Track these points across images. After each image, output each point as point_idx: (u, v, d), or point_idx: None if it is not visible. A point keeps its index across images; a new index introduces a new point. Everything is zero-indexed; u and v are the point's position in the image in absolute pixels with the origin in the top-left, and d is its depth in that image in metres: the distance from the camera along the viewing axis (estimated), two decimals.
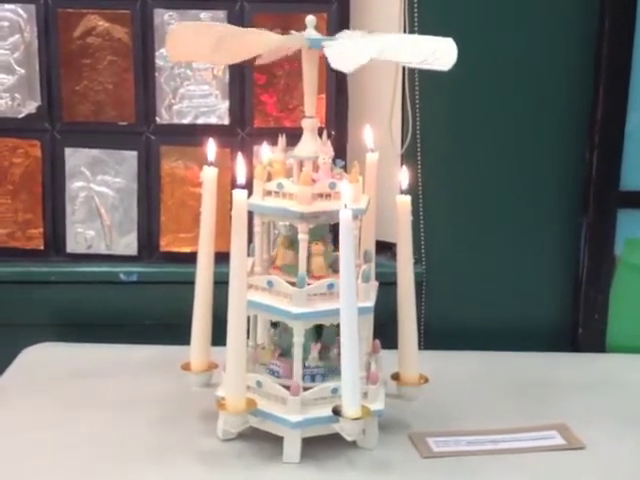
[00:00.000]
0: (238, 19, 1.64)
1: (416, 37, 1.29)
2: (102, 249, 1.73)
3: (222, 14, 1.65)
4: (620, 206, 1.69)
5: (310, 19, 1.24)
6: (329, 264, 1.30)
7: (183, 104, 1.68)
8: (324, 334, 1.32)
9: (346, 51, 1.18)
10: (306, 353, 1.28)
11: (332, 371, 1.29)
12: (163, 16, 1.65)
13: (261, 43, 1.23)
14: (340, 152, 1.60)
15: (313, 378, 1.29)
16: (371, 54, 1.15)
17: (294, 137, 1.31)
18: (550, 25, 1.65)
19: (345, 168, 1.32)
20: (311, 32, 1.24)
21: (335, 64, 1.16)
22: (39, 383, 1.50)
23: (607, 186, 1.68)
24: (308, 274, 1.25)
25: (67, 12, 1.65)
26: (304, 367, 1.28)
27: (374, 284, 1.32)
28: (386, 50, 1.17)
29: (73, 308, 1.73)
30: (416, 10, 1.61)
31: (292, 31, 1.25)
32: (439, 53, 1.16)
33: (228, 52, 1.23)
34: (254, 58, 1.28)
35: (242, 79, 1.68)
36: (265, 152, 1.34)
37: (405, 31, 1.61)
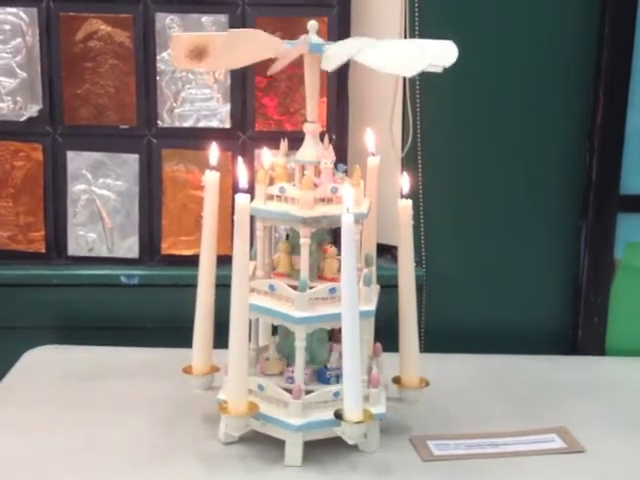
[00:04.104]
0: (240, 23, 1.64)
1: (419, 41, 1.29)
2: (103, 252, 1.74)
3: (224, 18, 1.65)
4: (620, 210, 1.69)
5: (312, 24, 1.25)
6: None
7: (184, 107, 1.69)
8: None
9: (397, 56, 1.19)
10: (316, 356, 1.29)
11: None
12: (165, 20, 1.65)
13: (266, 48, 1.24)
14: (341, 156, 1.61)
15: (338, 379, 1.29)
16: (429, 59, 1.16)
17: (295, 140, 1.32)
18: (550, 29, 1.66)
19: (346, 172, 1.33)
20: (313, 37, 1.24)
21: (389, 69, 1.18)
22: (41, 386, 1.50)
23: (607, 190, 1.69)
24: (317, 276, 1.28)
25: (69, 16, 1.66)
26: (327, 369, 1.29)
27: (375, 288, 1.32)
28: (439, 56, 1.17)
29: (75, 311, 1.73)
30: (417, 14, 1.62)
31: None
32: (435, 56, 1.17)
33: (233, 57, 1.24)
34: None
35: (243, 82, 1.68)
36: (266, 156, 1.35)
37: (406, 36, 1.62)
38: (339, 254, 1.29)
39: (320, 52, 1.23)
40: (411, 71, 1.17)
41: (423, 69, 1.15)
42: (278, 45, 1.25)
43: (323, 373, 1.30)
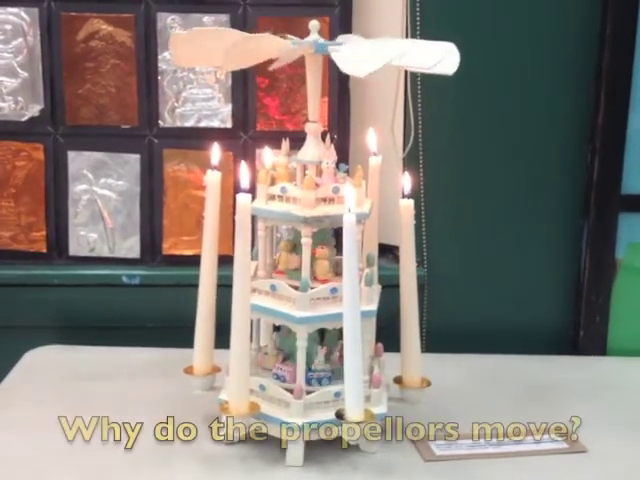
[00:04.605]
0: (241, 23, 1.64)
1: (421, 42, 1.29)
2: (105, 252, 1.74)
3: (225, 17, 1.65)
4: (621, 210, 1.69)
5: (314, 24, 1.25)
6: (333, 268, 1.31)
7: (186, 107, 1.69)
8: (326, 337, 1.32)
9: (358, 56, 1.19)
10: (310, 357, 1.28)
11: (337, 374, 1.29)
12: (166, 20, 1.65)
13: (269, 49, 1.23)
14: (343, 156, 1.61)
15: (320, 381, 1.29)
16: (385, 60, 1.16)
17: (296, 140, 1.32)
18: (551, 29, 1.66)
19: (348, 172, 1.33)
20: (315, 37, 1.24)
21: (347, 69, 1.17)
22: (42, 386, 1.50)
23: (608, 190, 1.69)
24: (312, 278, 1.26)
25: (70, 15, 1.66)
26: (310, 371, 1.28)
27: (377, 288, 1.32)
28: (400, 56, 1.17)
29: (76, 311, 1.73)
30: (418, 14, 1.62)
31: (289, 36, 1.26)
32: (444, 57, 1.16)
33: (235, 58, 1.24)
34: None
35: (245, 82, 1.68)
36: (267, 156, 1.35)
37: (407, 35, 1.62)
38: (331, 255, 1.30)
39: (324, 53, 1.22)
40: (362, 72, 1.16)
41: (374, 71, 1.15)
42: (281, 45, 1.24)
43: (305, 374, 1.29)
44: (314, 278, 1.28)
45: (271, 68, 1.28)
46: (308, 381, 1.29)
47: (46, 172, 1.71)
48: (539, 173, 1.72)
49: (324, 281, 1.27)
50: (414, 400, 1.36)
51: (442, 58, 1.15)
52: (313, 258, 1.28)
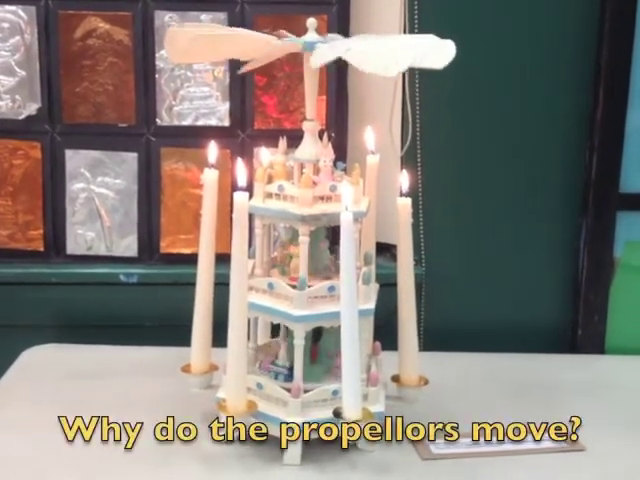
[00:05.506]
0: (239, 21, 1.64)
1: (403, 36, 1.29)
2: (102, 250, 1.74)
3: (223, 16, 1.65)
4: (620, 208, 1.69)
5: (311, 22, 1.24)
6: (323, 266, 1.31)
7: (183, 106, 1.69)
8: (323, 336, 1.32)
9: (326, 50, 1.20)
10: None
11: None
12: (164, 18, 1.65)
13: (258, 46, 1.24)
14: (340, 154, 1.60)
15: (276, 376, 1.30)
16: (338, 52, 1.16)
17: (294, 139, 1.31)
18: (550, 28, 1.66)
19: (345, 170, 1.33)
20: (312, 35, 1.24)
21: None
22: (40, 385, 1.50)
23: (606, 188, 1.69)
24: (288, 276, 1.27)
25: (68, 14, 1.65)
26: (273, 364, 1.30)
27: (374, 286, 1.32)
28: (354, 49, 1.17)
29: (73, 309, 1.73)
30: (416, 12, 1.62)
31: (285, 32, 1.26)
32: (429, 51, 1.15)
33: (224, 53, 1.24)
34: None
35: (242, 81, 1.68)
36: (264, 155, 1.34)
37: (405, 33, 1.62)
38: (325, 252, 1.30)
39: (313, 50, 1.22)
40: (390, 72, 1.15)
41: (403, 70, 1.14)
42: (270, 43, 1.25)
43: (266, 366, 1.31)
44: (289, 276, 1.28)
45: (244, 70, 1.29)
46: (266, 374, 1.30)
47: (43, 170, 1.71)
48: (537, 172, 1.72)
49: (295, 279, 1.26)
50: (412, 399, 1.36)
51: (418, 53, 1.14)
52: (289, 255, 1.27)
